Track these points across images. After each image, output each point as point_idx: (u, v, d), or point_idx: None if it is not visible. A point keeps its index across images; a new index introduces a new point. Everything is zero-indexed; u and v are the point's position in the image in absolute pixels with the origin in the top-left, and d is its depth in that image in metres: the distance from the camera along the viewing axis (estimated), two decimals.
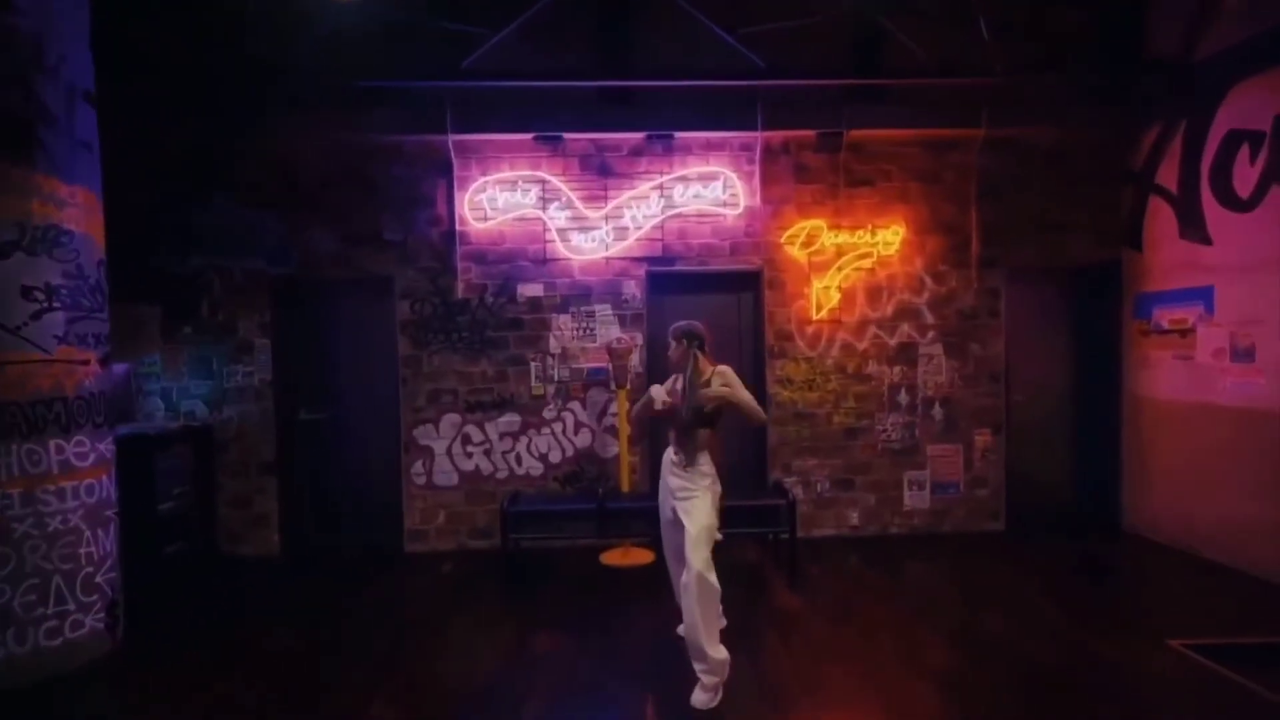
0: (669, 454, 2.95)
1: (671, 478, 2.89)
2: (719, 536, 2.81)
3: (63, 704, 2.77)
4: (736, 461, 4.89)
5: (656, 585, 3.66)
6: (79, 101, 3.16)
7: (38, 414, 2.95)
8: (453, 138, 4.51)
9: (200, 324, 4.55)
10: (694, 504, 2.78)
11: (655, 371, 4.75)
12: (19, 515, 2.90)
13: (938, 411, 4.86)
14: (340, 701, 2.78)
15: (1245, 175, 3.89)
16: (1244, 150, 3.89)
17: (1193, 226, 4.24)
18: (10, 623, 2.88)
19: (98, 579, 3.15)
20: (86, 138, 3.20)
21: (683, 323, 2.95)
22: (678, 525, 2.82)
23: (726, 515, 4.28)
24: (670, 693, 2.76)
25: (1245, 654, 2.94)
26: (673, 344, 2.92)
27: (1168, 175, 4.44)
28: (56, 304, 3.01)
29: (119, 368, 4.11)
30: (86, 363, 3.15)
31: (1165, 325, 4.49)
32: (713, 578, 2.67)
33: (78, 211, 3.13)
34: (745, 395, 2.79)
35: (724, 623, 2.96)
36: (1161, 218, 4.51)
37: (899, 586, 3.97)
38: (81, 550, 3.10)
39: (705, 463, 2.85)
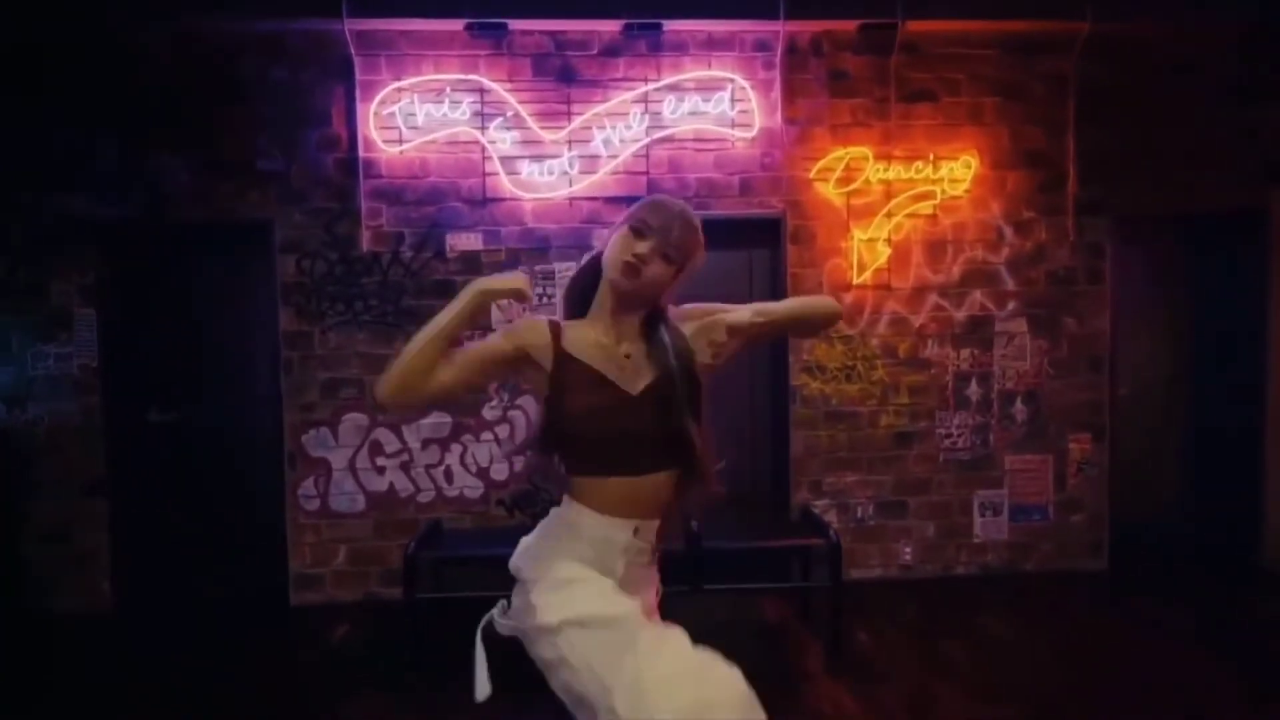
0: (614, 528, 1.18)
1: (632, 570, 1.21)
2: None
3: None
4: (746, 477, 3.63)
5: None
6: None
7: None
8: (352, 24, 3.20)
9: None
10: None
11: None
12: None
13: (1020, 410, 3.61)
14: None
15: None
16: None
17: None
18: None
19: None
20: None
21: (673, 204, 1.22)
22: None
23: (746, 564, 3.09)
24: None
25: None
26: (663, 261, 1.17)
27: None
28: None
29: None
30: None
31: None
32: None
33: None
34: (760, 305, 1.22)
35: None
36: None
37: (990, 663, 2.71)
38: None
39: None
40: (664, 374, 1.18)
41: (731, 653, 1.08)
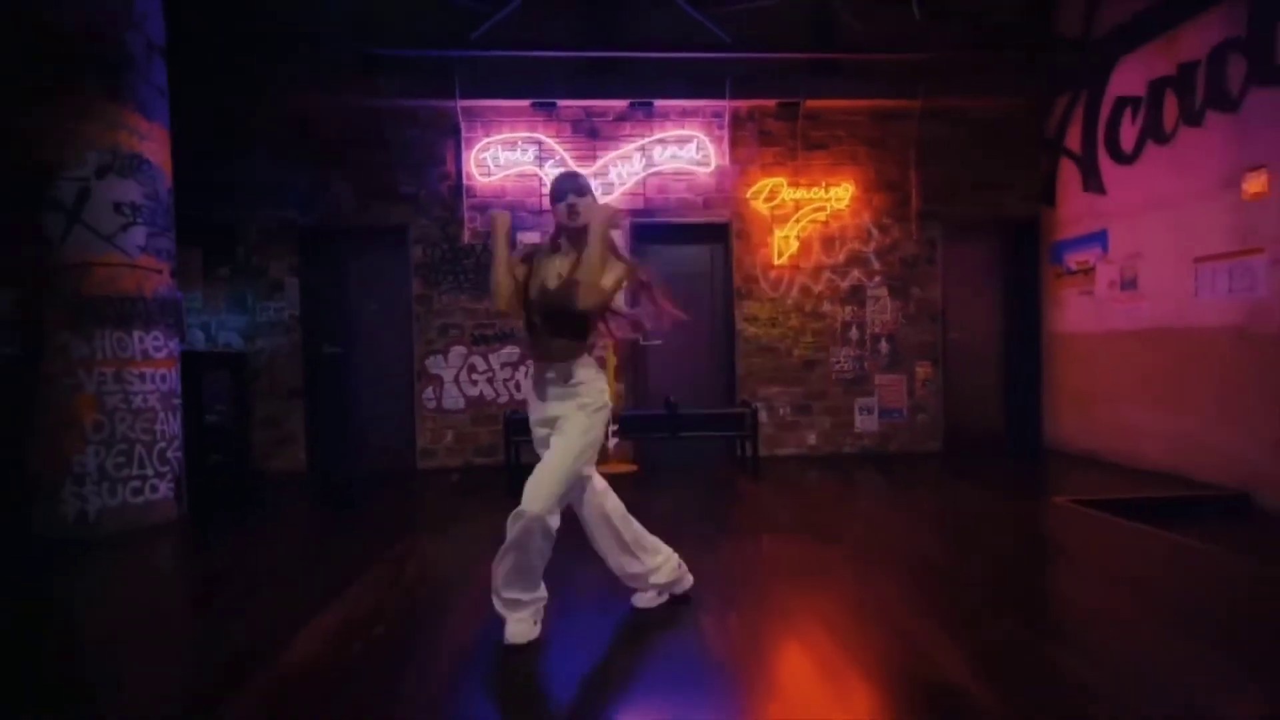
0: (534, 375, 2.24)
1: (551, 401, 2.18)
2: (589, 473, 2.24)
3: (146, 548, 3.36)
4: (706, 389, 5.58)
5: (638, 484, 4.31)
6: (155, 53, 3.80)
7: (124, 308, 3.59)
8: (460, 103, 5.16)
9: (236, 265, 5.14)
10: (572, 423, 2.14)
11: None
12: (111, 390, 3.53)
13: (884, 346, 5.57)
14: (358, 563, 3.39)
15: (1129, 134, 4.66)
16: (1127, 113, 4.66)
17: (1092, 180, 5.01)
18: (105, 479, 3.50)
19: (169, 454, 3.78)
20: (160, 83, 3.85)
21: (560, 176, 2.18)
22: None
23: (703, 422, 4.95)
24: None
25: (1114, 505, 3.66)
26: (575, 201, 2.10)
27: (1073, 139, 5.21)
28: (139, 220, 3.65)
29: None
30: (160, 272, 3.79)
31: (1073, 267, 5.25)
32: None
33: (155, 145, 3.78)
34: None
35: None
36: (1069, 175, 5.27)
37: (847, 483, 4.66)
38: (157, 427, 3.74)
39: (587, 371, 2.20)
40: (564, 284, 2.09)
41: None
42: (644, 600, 2.39)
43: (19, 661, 2.16)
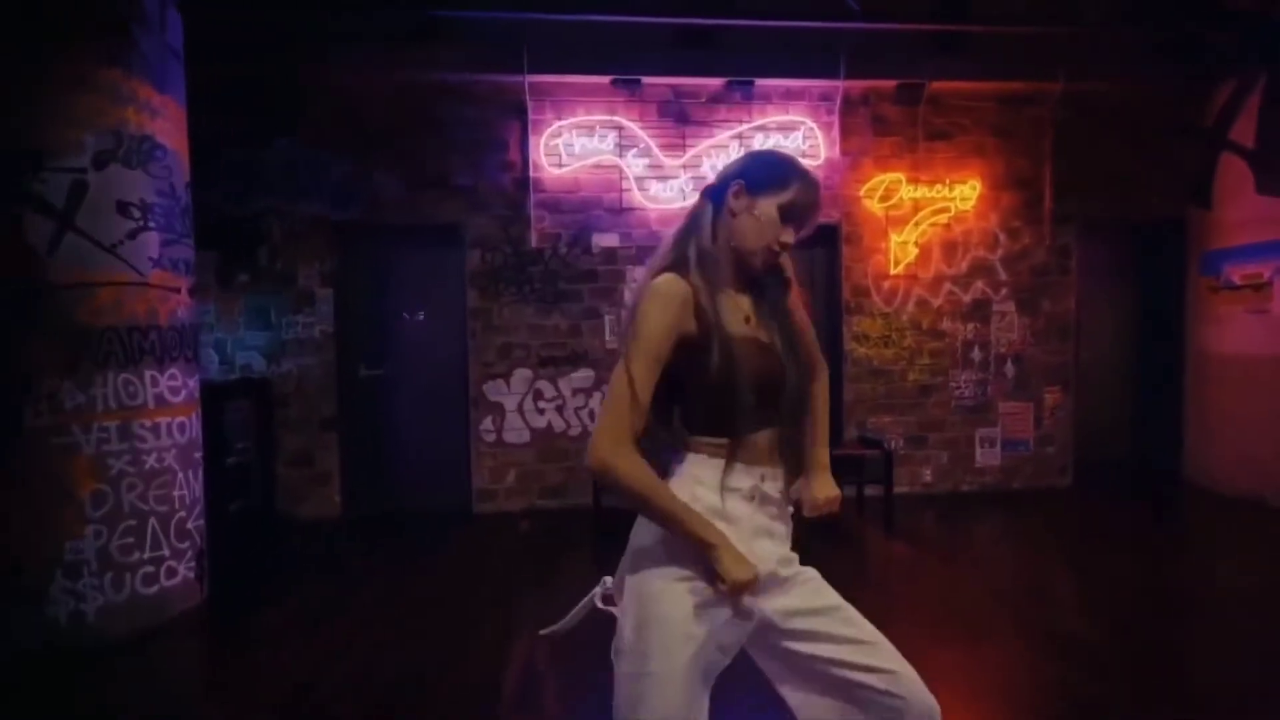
0: (737, 486, 1.17)
1: (767, 541, 1.19)
2: None
3: (162, 656, 2.56)
4: None
5: None
6: (170, 6, 2.92)
7: (134, 341, 2.74)
8: (528, 78, 4.30)
9: (258, 271, 4.27)
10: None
11: None
12: (116, 450, 2.69)
13: (1009, 368, 4.85)
14: (457, 645, 2.60)
15: None
16: None
17: (1270, 179, 4.28)
18: (108, 567, 2.67)
19: (189, 525, 2.94)
20: (176, 45, 2.97)
21: (819, 186, 1.20)
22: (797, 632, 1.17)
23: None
24: None
25: None
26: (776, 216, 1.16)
27: (1243, 131, 4.47)
28: (151, 223, 2.79)
29: None
30: (178, 290, 2.94)
31: (1237, 281, 4.54)
32: None
33: (168, 125, 2.90)
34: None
35: None
36: (1234, 174, 4.54)
37: (987, 539, 3.95)
38: (175, 493, 2.91)
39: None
40: (791, 338, 1.24)
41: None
42: None
43: None
